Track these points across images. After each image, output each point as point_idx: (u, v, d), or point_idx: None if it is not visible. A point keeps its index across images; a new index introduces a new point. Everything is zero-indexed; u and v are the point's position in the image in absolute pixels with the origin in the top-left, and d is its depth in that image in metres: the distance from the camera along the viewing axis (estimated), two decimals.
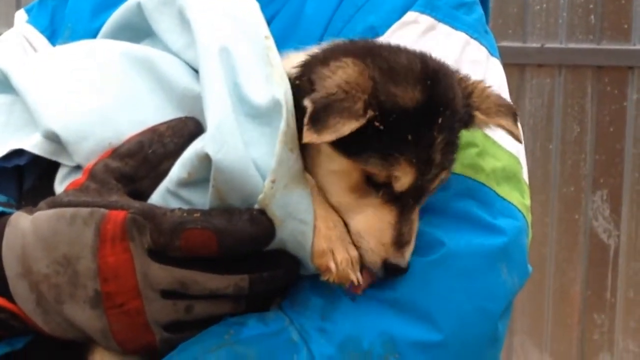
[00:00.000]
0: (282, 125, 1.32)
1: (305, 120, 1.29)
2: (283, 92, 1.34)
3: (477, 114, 1.44)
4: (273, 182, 1.31)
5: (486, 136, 1.55)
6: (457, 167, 1.48)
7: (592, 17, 4.52)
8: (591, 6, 4.51)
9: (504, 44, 4.45)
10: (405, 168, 1.36)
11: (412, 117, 1.35)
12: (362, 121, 1.31)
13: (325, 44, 1.47)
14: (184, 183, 1.34)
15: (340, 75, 1.34)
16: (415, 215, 1.41)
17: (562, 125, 4.55)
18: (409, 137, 1.35)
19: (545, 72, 4.53)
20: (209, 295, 1.33)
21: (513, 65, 4.46)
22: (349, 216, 1.40)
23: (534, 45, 4.51)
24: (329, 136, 1.29)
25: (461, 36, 1.63)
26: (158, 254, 1.31)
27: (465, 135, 1.50)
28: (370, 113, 1.32)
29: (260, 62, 1.39)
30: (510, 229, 1.49)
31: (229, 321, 1.38)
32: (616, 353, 4.70)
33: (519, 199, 1.56)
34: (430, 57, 1.43)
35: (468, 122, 1.45)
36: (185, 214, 1.30)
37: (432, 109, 1.37)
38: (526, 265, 1.54)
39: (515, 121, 1.47)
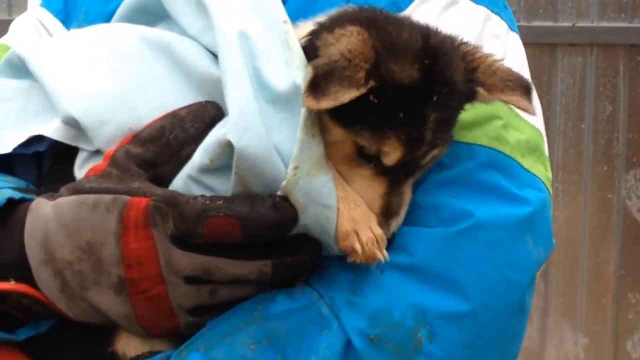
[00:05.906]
0: (303, 111, 1.32)
1: (305, 85, 1.29)
2: (303, 77, 1.33)
3: (480, 90, 1.44)
4: (296, 168, 1.31)
5: (510, 109, 1.55)
6: (482, 139, 1.50)
7: None
8: None
9: (535, 23, 4.43)
10: (394, 144, 1.36)
11: (407, 94, 1.35)
12: (363, 90, 1.30)
13: (333, 11, 1.46)
14: (206, 169, 1.34)
15: (344, 43, 1.33)
16: (406, 188, 1.42)
17: (595, 105, 4.51)
18: (401, 114, 1.35)
19: (576, 51, 4.48)
20: (233, 280, 1.33)
21: (544, 44, 4.44)
22: None
23: (566, 24, 4.46)
24: (328, 103, 1.28)
25: (482, 10, 1.63)
26: (181, 241, 1.30)
27: (490, 108, 1.51)
28: (371, 83, 1.31)
29: (279, 46, 1.37)
30: (535, 201, 1.49)
31: (258, 297, 1.38)
32: None
33: (542, 171, 1.57)
34: (434, 33, 1.42)
35: (470, 97, 1.45)
36: (208, 202, 1.29)
37: (428, 87, 1.36)
38: (551, 237, 1.54)
39: (525, 94, 1.45)
